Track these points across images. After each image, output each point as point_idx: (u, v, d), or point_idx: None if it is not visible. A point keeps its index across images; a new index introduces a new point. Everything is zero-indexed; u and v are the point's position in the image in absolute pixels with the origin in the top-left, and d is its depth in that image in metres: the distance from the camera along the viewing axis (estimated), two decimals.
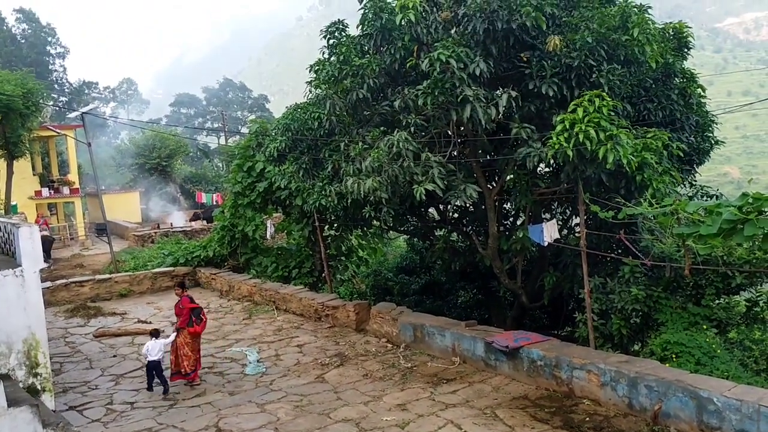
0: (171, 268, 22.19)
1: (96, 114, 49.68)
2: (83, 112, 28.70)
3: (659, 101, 13.41)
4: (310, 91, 15.27)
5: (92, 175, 34.17)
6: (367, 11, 13.15)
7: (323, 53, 14.85)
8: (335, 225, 18.49)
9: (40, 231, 10.57)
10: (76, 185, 42.37)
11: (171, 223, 39.97)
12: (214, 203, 38.98)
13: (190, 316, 11.84)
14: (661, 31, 13.31)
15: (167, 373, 11.74)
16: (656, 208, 9.40)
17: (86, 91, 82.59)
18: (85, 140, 28.28)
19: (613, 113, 10.64)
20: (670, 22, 14.34)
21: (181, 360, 11.72)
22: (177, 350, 11.78)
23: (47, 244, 26.86)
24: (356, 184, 12.39)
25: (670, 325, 11.27)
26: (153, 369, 11.46)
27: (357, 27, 13.73)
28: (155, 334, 11.85)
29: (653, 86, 13.44)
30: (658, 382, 8.63)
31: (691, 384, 8.32)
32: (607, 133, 10.24)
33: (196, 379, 11.84)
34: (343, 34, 14.62)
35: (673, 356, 10.40)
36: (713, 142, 14.72)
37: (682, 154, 12.30)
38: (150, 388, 11.49)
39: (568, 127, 10.44)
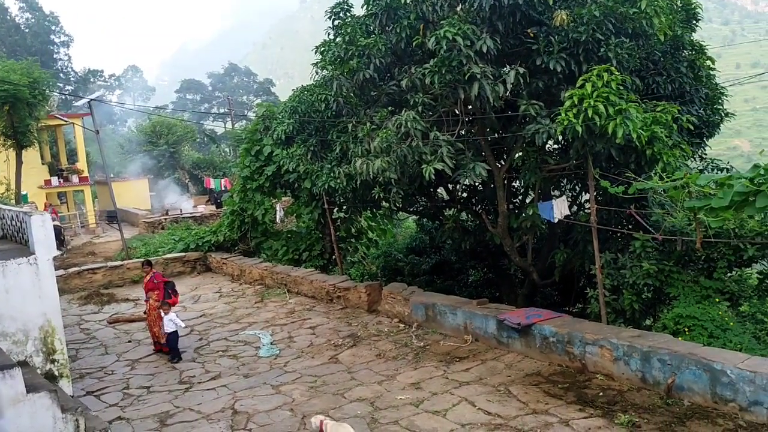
0: (182, 254, 22.29)
1: (103, 101, 49.76)
2: (91, 99, 28.68)
3: (668, 74, 13.27)
4: (317, 73, 15.20)
5: (101, 164, 34.29)
6: None
7: (328, 34, 14.78)
8: (344, 207, 18.48)
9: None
10: (85, 174, 42.46)
11: (180, 209, 40.05)
12: (223, 188, 39.05)
13: (165, 290, 12.93)
14: (669, 3, 13.13)
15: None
16: (667, 182, 9.35)
17: (92, 80, 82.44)
18: (92, 128, 28.32)
19: (621, 87, 10.55)
20: None
21: (158, 332, 12.82)
22: (156, 321, 12.85)
23: (58, 232, 27.02)
24: (365, 165, 12.37)
25: (682, 299, 11.26)
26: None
27: (362, 7, 13.65)
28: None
29: (662, 59, 13.31)
30: (671, 355, 8.64)
31: (704, 357, 8.33)
32: (616, 108, 10.16)
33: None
34: (348, 14, 14.54)
35: (686, 330, 10.40)
36: (723, 114, 14.56)
37: (692, 128, 12.19)
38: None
39: (576, 102, 10.37)
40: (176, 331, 12.50)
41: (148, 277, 13.29)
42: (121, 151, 61.95)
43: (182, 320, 13.12)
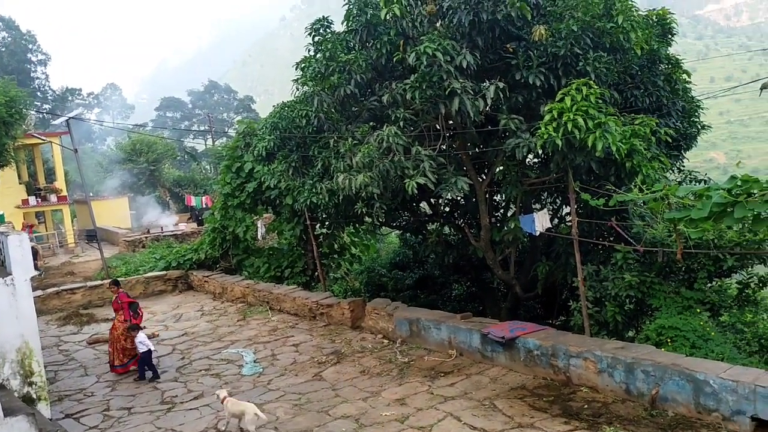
0: (163, 272, 22.05)
1: (82, 118, 49.42)
2: (69, 118, 28.42)
3: (646, 87, 13.45)
4: (297, 89, 15.21)
5: (80, 183, 33.95)
6: (351, 7, 13.16)
7: (309, 51, 14.81)
8: (327, 223, 18.44)
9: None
10: (64, 193, 42.04)
11: (161, 227, 39.75)
12: (204, 206, 38.83)
13: (129, 311, 12.74)
14: (644, 17, 13.36)
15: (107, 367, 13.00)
16: (647, 194, 9.43)
17: (70, 98, 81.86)
18: (71, 147, 28.07)
19: (600, 101, 10.67)
20: (653, 9, 14.39)
21: (117, 353, 12.65)
22: (114, 343, 12.69)
23: (34, 254, 26.56)
24: (347, 180, 12.38)
25: (664, 309, 11.33)
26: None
27: (342, 23, 13.73)
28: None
29: (639, 73, 13.49)
30: (654, 366, 8.68)
31: (687, 367, 8.37)
32: (596, 121, 10.27)
33: (129, 370, 12.63)
34: (328, 30, 14.59)
35: (668, 341, 10.46)
36: (700, 127, 14.78)
37: (669, 140, 12.36)
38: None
39: (556, 116, 10.46)
40: (149, 351, 12.30)
41: (114, 297, 13.20)
42: (101, 169, 61.48)
43: (164, 338, 12.98)
